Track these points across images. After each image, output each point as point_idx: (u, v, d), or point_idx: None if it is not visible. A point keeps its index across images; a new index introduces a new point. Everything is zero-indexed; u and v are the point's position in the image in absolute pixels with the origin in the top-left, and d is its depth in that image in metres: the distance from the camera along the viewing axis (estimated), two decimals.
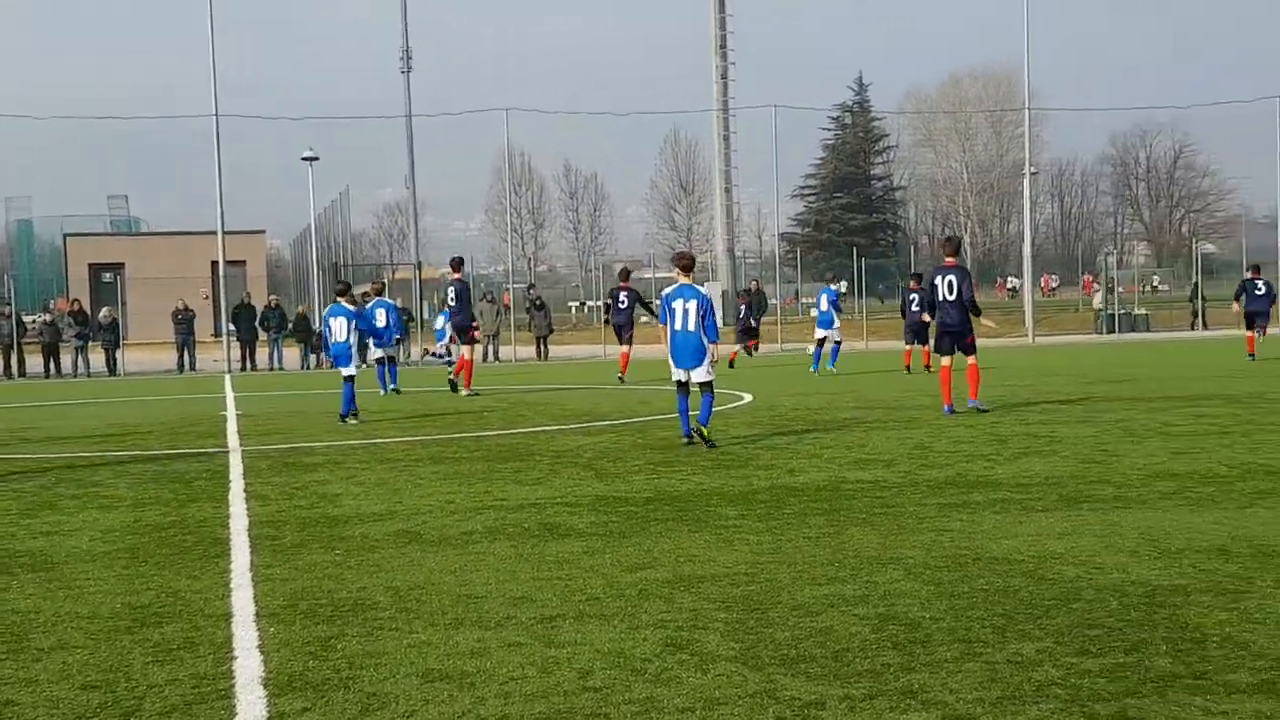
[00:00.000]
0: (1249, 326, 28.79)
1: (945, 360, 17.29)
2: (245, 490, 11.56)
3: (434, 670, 5.64)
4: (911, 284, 28.07)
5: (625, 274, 29.47)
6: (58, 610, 6.99)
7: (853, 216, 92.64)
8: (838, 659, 5.62)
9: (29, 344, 40.12)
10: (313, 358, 40.07)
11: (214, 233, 42.29)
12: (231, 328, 40.30)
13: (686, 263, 14.68)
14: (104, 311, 40.27)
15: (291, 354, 40.92)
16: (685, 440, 14.15)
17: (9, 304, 40.03)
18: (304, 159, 46.50)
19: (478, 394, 23.25)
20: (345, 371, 18.73)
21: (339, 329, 19.07)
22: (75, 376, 37.84)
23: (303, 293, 54.63)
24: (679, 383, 14.38)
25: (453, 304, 23.09)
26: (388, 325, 24.54)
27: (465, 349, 23.60)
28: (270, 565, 8.09)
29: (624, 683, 5.39)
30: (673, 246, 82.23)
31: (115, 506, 10.83)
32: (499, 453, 14.02)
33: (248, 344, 39.71)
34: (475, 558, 8.16)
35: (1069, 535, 8.30)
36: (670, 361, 14.32)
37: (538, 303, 43.05)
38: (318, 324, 40.97)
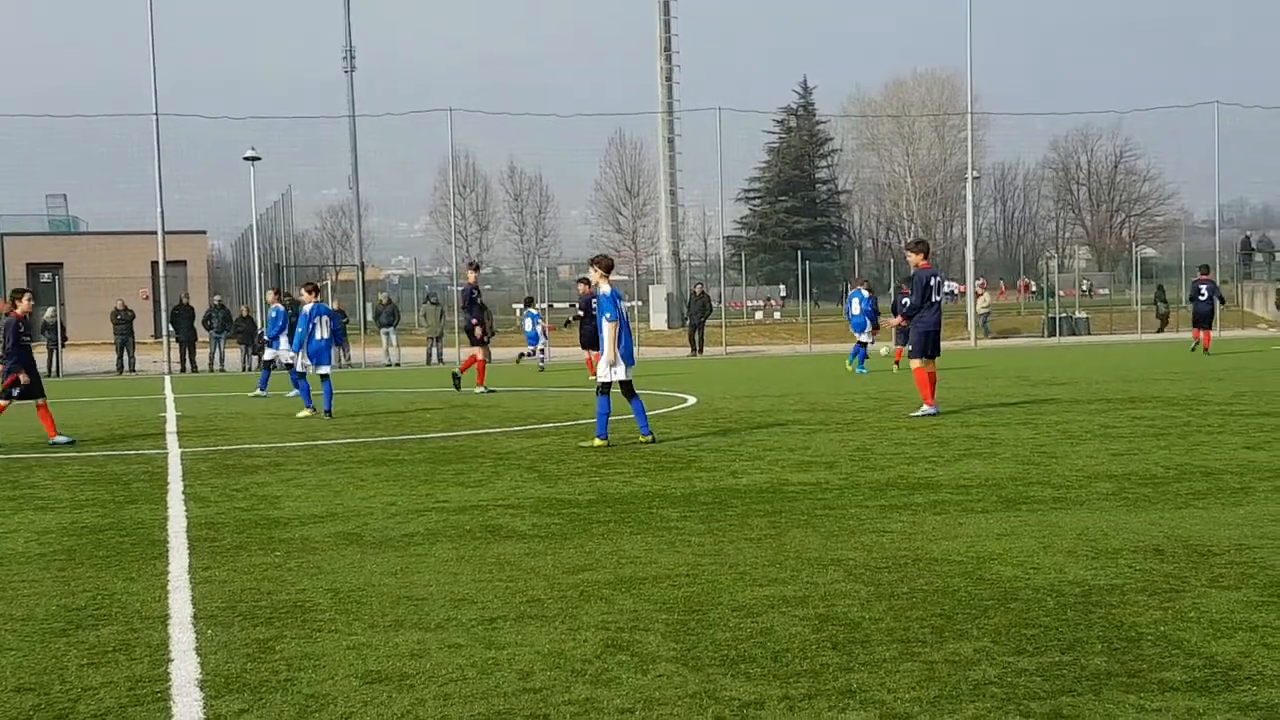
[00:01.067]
0: (1196, 325, 31.14)
1: (930, 363, 17.19)
2: (184, 492, 11.46)
3: (373, 672, 5.61)
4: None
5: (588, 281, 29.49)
6: None
7: (797, 220, 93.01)
8: (777, 659, 5.65)
9: None
10: (254, 359, 39.75)
11: (154, 233, 41.88)
12: (171, 328, 39.92)
13: (608, 264, 14.99)
14: (49, 312, 39.75)
15: (233, 355, 40.58)
16: (606, 443, 14.18)
17: None
18: (246, 159, 46.13)
19: (493, 391, 23.81)
20: (323, 370, 19.70)
21: (322, 328, 19.96)
22: None
23: (244, 293, 54.22)
24: (609, 384, 14.45)
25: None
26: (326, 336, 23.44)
27: (478, 349, 24.44)
28: (209, 567, 8.03)
29: (564, 683, 5.39)
30: (618, 249, 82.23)
31: (52, 508, 10.70)
32: (442, 455, 13.97)
33: (187, 345, 39.37)
34: (416, 559, 8.13)
35: (1008, 536, 8.38)
36: (620, 363, 14.35)
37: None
38: (261, 325, 40.69)
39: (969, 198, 54.30)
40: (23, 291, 17.11)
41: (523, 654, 5.85)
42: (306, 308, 20.29)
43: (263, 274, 46.96)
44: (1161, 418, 15.93)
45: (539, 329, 34.70)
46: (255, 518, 9.94)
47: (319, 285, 22.43)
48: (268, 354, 25.78)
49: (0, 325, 16.87)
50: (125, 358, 39.05)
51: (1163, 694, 5.05)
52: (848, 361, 29.08)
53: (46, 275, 49.41)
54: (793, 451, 13.43)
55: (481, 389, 24.10)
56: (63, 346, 38.97)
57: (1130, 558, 7.60)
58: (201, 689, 5.40)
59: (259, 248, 48.41)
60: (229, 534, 9.23)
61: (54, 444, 15.86)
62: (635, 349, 14.38)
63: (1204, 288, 31.78)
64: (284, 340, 24.17)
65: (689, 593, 6.99)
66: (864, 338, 29.00)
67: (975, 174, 55.80)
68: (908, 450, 13.24)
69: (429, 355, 41.36)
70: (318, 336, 19.89)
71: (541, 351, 34.07)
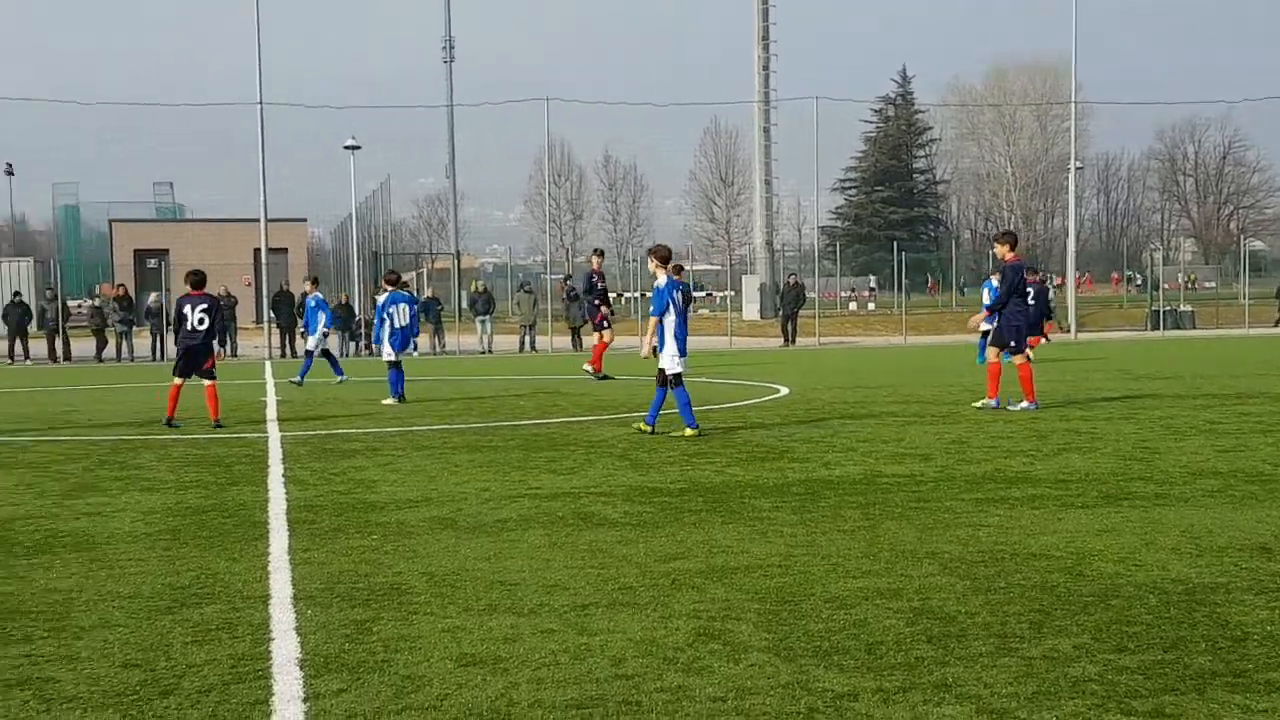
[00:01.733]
0: None
1: (1022, 358, 16.98)
2: (284, 475, 11.64)
3: (468, 655, 5.66)
4: (1030, 276, 29.13)
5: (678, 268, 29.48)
6: (99, 589, 7.07)
7: (893, 210, 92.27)
8: (871, 651, 5.61)
9: (75, 328, 40.52)
10: (352, 345, 40.28)
11: (257, 220, 42.54)
12: (272, 314, 40.55)
13: (666, 254, 14.93)
14: (153, 297, 40.59)
15: (330, 341, 41.07)
16: (697, 432, 14.11)
17: (55, 289, 40.41)
18: (346, 148, 46.69)
19: (607, 377, 23.77)
20: (397, 356, 19.94)
21: (400, 315, 20.11)
22: (119, 361, 38.17)
23: (343, 281, 54.93)
24: (678, 375, 14.38)
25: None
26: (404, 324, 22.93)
27: (604, 334, 24.55)
28: (308, 549, 8.15)
29: (656, 671, 5.40)
30: (711, 239, 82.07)
31: (157, 489, 10.93)
32: (534, 442, 14.06)
33: (287, 330, 39.94)
34: (510, 545, 8.19)
35: (1108, 532, 8.24)
36: (675, 354, 14.32)
37: (573, 293, 43.04)
38: (361, 312, 41.22)
39: (1071, 188, 53.50)
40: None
41: (615, 641, 5.87)
42: (382, 297, 20.58)
43: (361, 262, 47.55)
44: (1270, 414, 15.58)
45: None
46: (353, 501, 10.07)
47: (400, 276, 22.59)
48: (309, 342, 26.00)
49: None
50: (227, 343, 39.72)
51: (1269, 694, 4.94)
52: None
53: (153, 261, 50.44)
54: (887, 443, 13.33)
55: (590, 370, 24.22)
56: (167, 331, 39.74)
57: (1236, 556, 7.44)
58: (301, 668, 5.49)
59: (357, 236, 49.01)
60: (327, 517, 9.36)
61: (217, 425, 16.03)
62: (687, 340, 14.57)
63: None
64: (319, 328, 24.96)
65: (781, 583, 6.97)
66: (987, 328, 28.57)
67: (1078, 164, 54.99)
68: (1004, 444, 13.07)
69: (521, 343, 41.62)
70: (396, 324, 20.10)
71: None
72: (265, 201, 41.76)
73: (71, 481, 11.46)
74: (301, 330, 26.35)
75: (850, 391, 20.67)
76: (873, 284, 76.40)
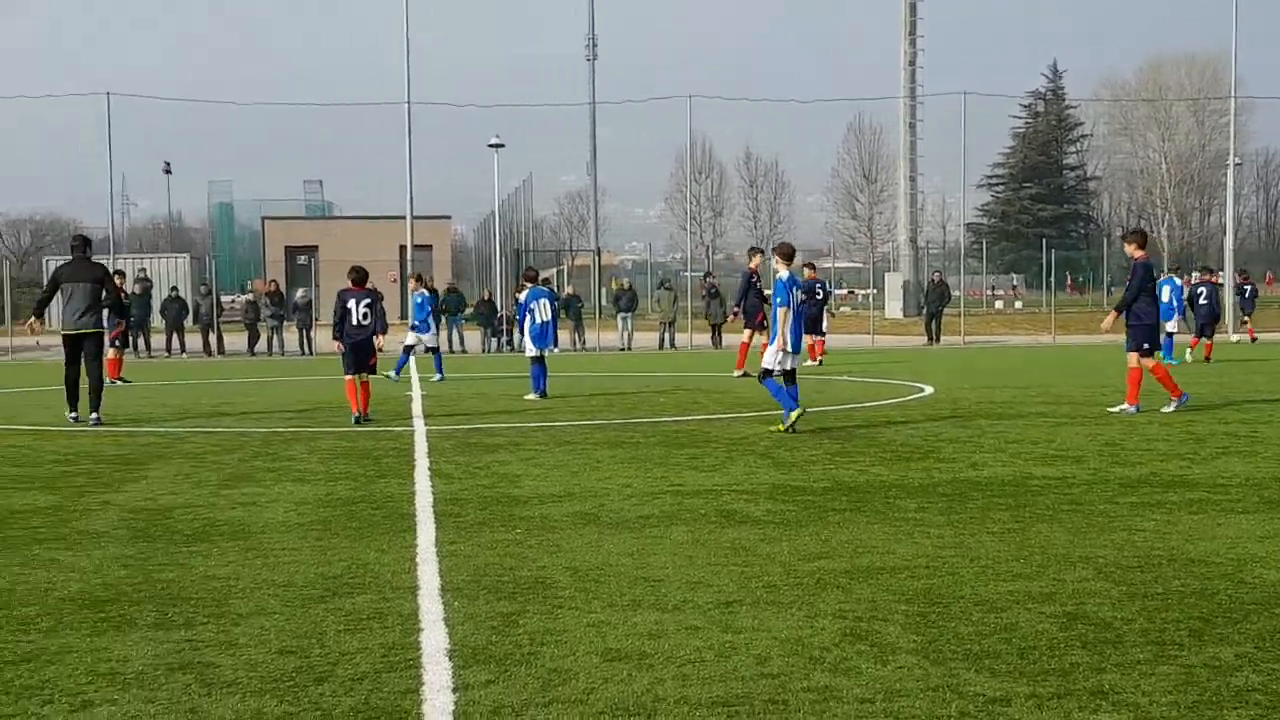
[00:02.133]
0: None
1: (1151, 358, 16.53)
2: (429, 468, 11.81)
3: (613, 650, 5.69)
4: (1204, 275, 29.57)
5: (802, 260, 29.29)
6: (255, 577, 7.25)
7: (1042, 207, 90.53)
8: (1024, 656, 5.50)
9: (228, 323, 41.68)
10: (494, 341, 40.77)
11: (403, 217, 43.28)
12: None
13: (788, 251, 15.21)
14: (300, 293, 41.55)
15: (472, 336, 41.66)
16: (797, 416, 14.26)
17: (210, 284, 41.59)
18: (490, 146, 47.25)
19: (747, 375, 23.66)
20: (539, 351, 19.96)
21: (542, 311, 20.03)
22: (270, 355, 39.15)
23: (485, 277, 55.65)
24: (771, 372, 14.60)
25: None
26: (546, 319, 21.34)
27: (748, 334, 24.81)
28: (454, 541, 8.25)
29: (802, 670, 5.36)
30: (853, 236, 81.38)
31: (308, 480, 11.17)
32: (675, 438, 14.07)
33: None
34: (653, 541, 8.20)
35: (1271, 538, 7.97)
36: (780, 349, 14.46)
37: (714, 290, 43.02)
38: (503, 308, 41.72)
39: (1230, 185, 51.93)
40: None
41: (760, 639, 5.84)
42: (523, 294, 20.76)
43: (503, 259, 48.12)
44: None
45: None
46: (497, 495, 10.19)
47: (538, 272, 22.77)
48: (409, 338, 26.25)
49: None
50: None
51: None
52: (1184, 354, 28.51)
53: (303, 258, 51.65)
54: (1036, 444, 13.07)
55: (740, 373, 24.15)
56: (315, 327, 40.65)
57: None
58: (450, 659, 5.56)
59: (499, 233, 49.61)
60: (472, 510, 9.48)
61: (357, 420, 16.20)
62: (801, 337, 14.81)
63: None
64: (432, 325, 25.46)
65: (929, 585, 6.87)
66: (1171, 327, 27.86)
67: (1237, 160, 53.32)
68: (1160, 446, 12.73)
69: (661, 340, 41.71)
70: (537, 320, 20.15)
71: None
72: (411, 199, 42.48)
73: (227, 472, 11.77)
74: (412, 325, 26.59)
75: (997, 391, 20.32)
76: (1015, 282, 75.01)
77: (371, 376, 16.79)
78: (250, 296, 42.43)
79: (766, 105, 72.73)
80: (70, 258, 17.38)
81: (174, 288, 41.78)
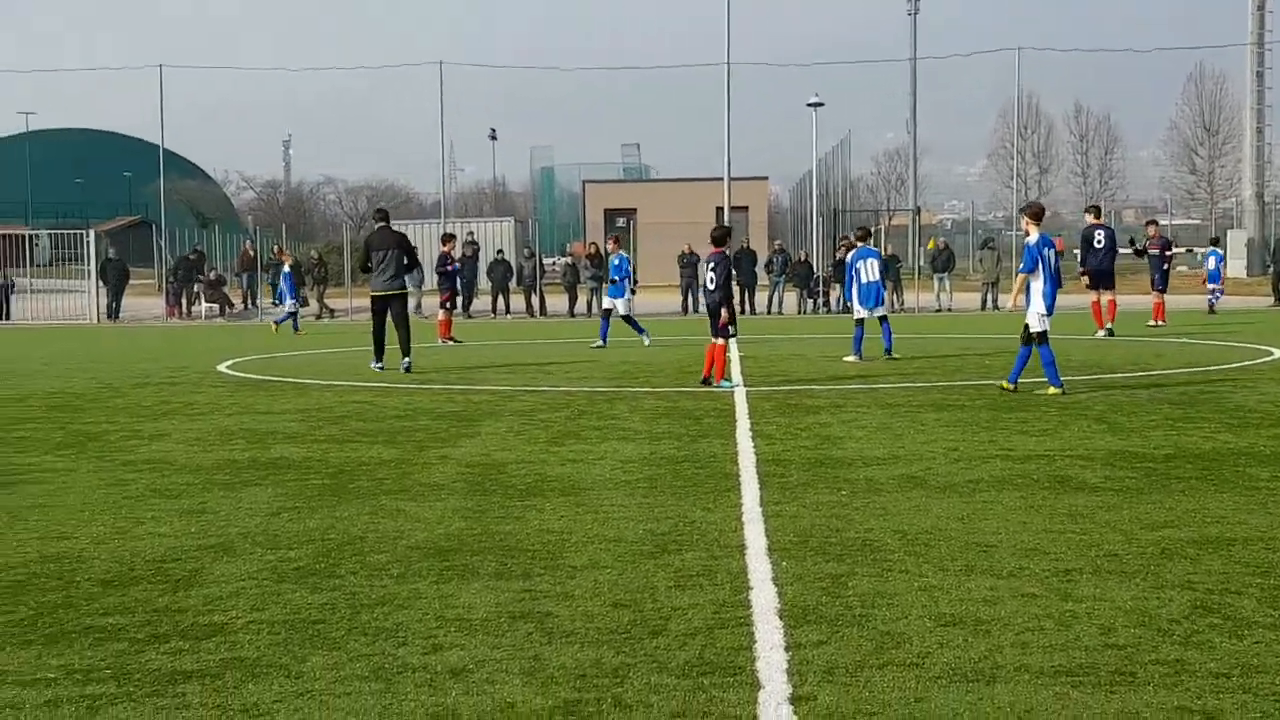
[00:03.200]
0: None
1: None
2: (751, 429, 11.86)
3: (946, 615, 5.58)
4: None
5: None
6: (587, 532, 7.44)
7: None
8: None
9: (549, 285, 42.97)
10: (809, 302, 40.65)
11: (720, 179, 43.55)
12: (733, 271, 41.42)
13: (1037, 210, 14.98)
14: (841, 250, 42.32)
15: (790, 298, 41.60)
16: (1060, 391, 13.98)
17: (532, 247, 42.94)
18: (809, 105, 46.95)
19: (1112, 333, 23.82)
20: (879, 312, 19.72)
21: (868, 270, 19.69)
22: (590, 317, 40.15)
23: (800, 239, 55.48)
24: (1045, 333, 14.29)
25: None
26: (874, 278, 20.93)
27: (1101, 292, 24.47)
28: (779, 501, 8.27)
29: (1150, 642, 5.13)
30: (1191, 191, 77.31)
31: (633, 439, 11.40)
32: (1002, 402, 13.69)
33: (747, 288, 40.73)
34: (983, 506, 8.01)
35: None
36: (1041, 312, 14.26)
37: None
38: (819, 269, 41.52)
39: None
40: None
41: (1102, 609, 5.62)
42: (850, 254, 20.42)
43: (820, 219, 47.83)
44: None
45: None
46: (819, 456, 10.14)
47: (869, 230, 22.39)
48: (605, 303, 25.63)
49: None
50: (690, 299, 40.97)
51: None
52: None
53: (621, 220, 52.69)
54: None
55: (1104, 331, 23.81)
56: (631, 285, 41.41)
57: None
58: (781, 618, 5.57)
59: (816, 193, 49.31)
60: (795, 471, 9.47)
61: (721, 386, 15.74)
62: (1055, 299, 14.40)
63: None
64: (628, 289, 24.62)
65: None
66: None
67: None
68: None
69: (983, 301, 40.67)
70: (863, 280, 19.82)
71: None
72: (729, 160, 42.69)
73: (555, 429, 12.14)
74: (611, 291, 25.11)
75: None
76: None
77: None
78: (569, 259, 43.58)
79: (1100, 56, 69.53)
80: (376, 227, 19.82)
81: (499, 250, 43.30)
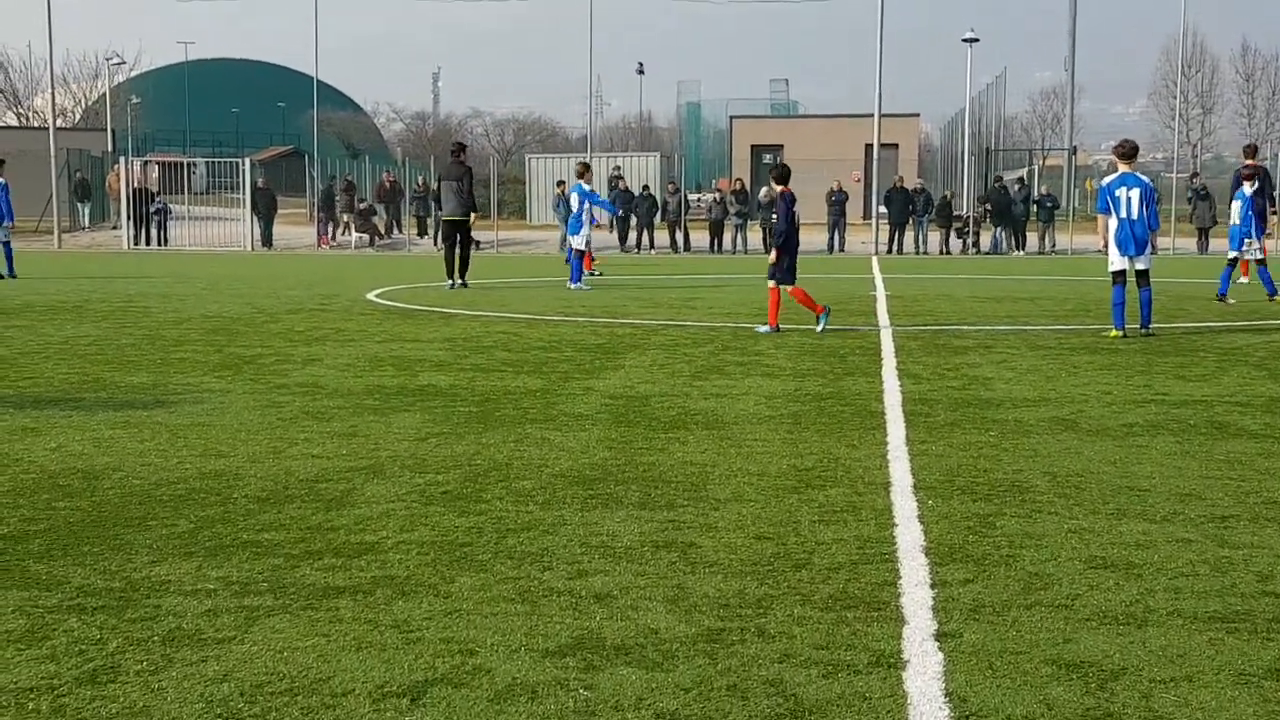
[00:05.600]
0: None
1: None
2: (897, 368, 11.73)
3: (1097, 558, 5.47)
4: None
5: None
6: (730, 466, 7.45)
7: None
8: None
9: (694, 220, 42.85)
10: (956, 243, 39.96)
11: (870, 115, 42.87)
12: (883, 210, 40.89)
13: (1127, 150, 14.58)
14: (764, 191, 42.08)
15: (934, 238, 40.95)
16: (1121, 334, 14.05)
17: (677, 183, 42.80)
18: (964, 40, 45.89)
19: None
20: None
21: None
22: (734, 253, 39.99)
23: (950, 179, 54.46)
24: (1118, 273, 14.21)
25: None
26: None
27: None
28: (925, 440, 8.17)
29: None
30: None
31: (777, 375, 11.35)
32: (1158, 346, 13.33)
33: (898, 226, 40.17)
34: (1136, 450, 7.82)
35: None
36: (1115, 251, 14.19)
37: (1202, 192, 40.27)
38: (968, 209, 40.72)
39: None
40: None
41: (1260, 556, 5.47)
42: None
43: (971, 158, 46.88)
44: None
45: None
46: (967, 397, 10.00)
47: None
48: (576, 241, 23.55)
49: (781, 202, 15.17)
50: (837, 237, 40.56)
51: None
52: None
53: (768, 157, 52.23)
54: None
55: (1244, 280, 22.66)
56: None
57: None
58: (926, 555, 5.52)
59: (968, 132, 48.28)
60: (942, 411, 9.35)
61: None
62: (1130, 240, 14.14)
63: None
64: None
65: None
66: None
67: None
68: None
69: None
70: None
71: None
72: (880, 95, 41.94)
73: (699, 364, 12.14)
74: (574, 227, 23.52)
75: None
76: None
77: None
78: (716, 195, 43.34)
79: None
80: (450, 160, 22.53)
81: (645, 186, 43.26)
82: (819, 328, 14.88)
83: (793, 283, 15.08)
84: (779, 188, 15.28)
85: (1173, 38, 55.80)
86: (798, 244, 15.49)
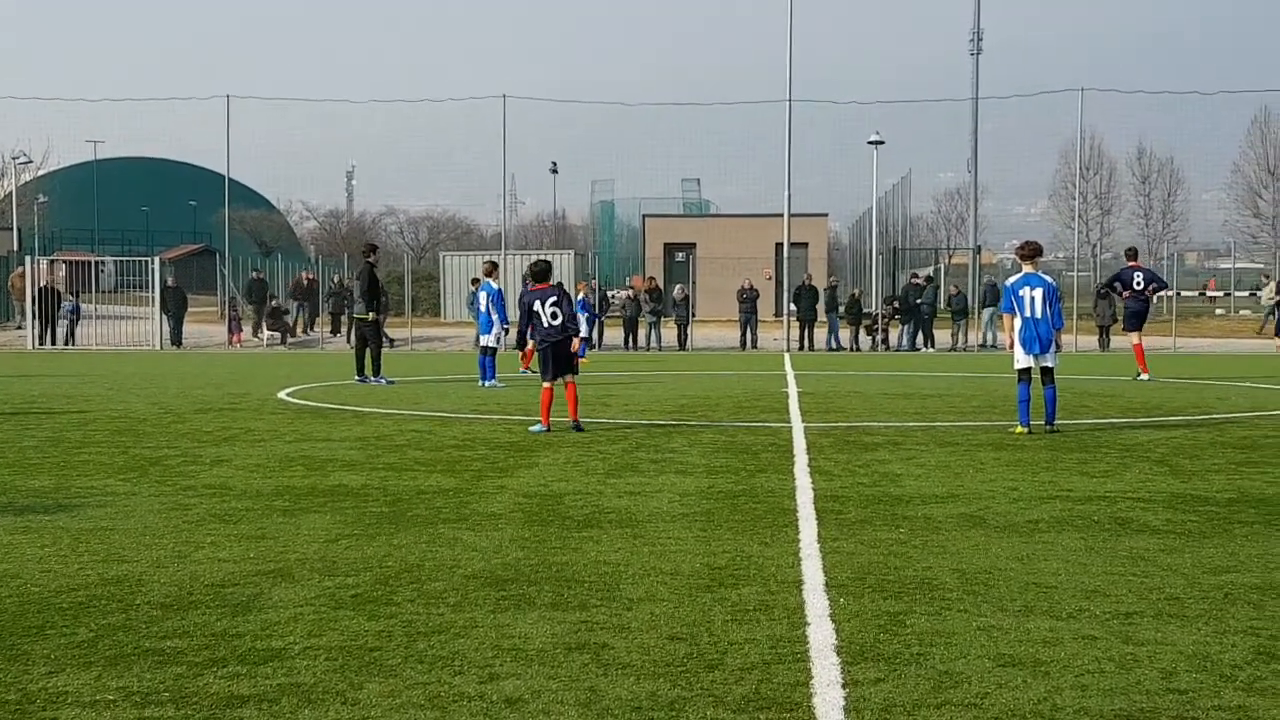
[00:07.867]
0: None
1: None
2: (809, 465, 11.81)
3: (1006, 655, 5.52)
4: None
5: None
6: (643, 565, 7.43)
7: None
8: None
9: (609, 318, 43.05)
10: (866, 340, 40.49)
11: (780, 215, 43.54)
12: (793, 307, 41.39)
13: (1029, 251, 14.86)
14: (677, 289, 42.47)
15: (846, 335, 41.48)
16: (1026, 430, 14.23)
17: (595, 281, 43.03)
18: (870, 143, 46.89)
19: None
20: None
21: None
22: (648, 350, 40.20)
23: (859, 276, 55.31)
24: (1024, 371, 14.48)
25: None
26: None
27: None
28: (836, 538, 8.23)
29: (1212, 688, 5.06)
30: (1254, 235, 76.58)
31: (690, 472, 11.39)
32: (1063, 442, 13.57)
33: (807, 323, 40.66)
34: (1043, 547, 7.93)
35: None
36: (1020, 349, 14.45)
37: (1101, 292, 41.21)
38: (875, 307, 41.34)
39: None
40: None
41: (1164, 653, 5.55)
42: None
43: (879, 257, 47.68)
44: None
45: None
46: (877, 494, 10.09)
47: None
48: (489, 340, 23.53)
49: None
50: (748, 334, 40.94)
51: None
52: None
53: (680, 255, 52.73)
54: None
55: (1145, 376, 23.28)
56: (691, 322, 41.46)
57: None
58: (838, 654, 5.53)
59: (875, 230, 49.16)
60: (854, 508, 9.42)
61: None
62: (1034, 340, 14.38)
63: None
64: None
65: None
66: None
67: None
68: None
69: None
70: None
71: None
72: (789, 197, 42.68)
73: (612, 461, 12.15)
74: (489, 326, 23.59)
75: None
76: None
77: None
78: (630, 293, 43.64)
79: (1164, 98, 68.87)
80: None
81: (559, 284, 43.43)
82: (532, 429, 14.73)
83: (550, 381, 14.94)
84: (540, 285, 15.28)
85: (1070, 141, 57.41)
86: (560, 341, 15.01)
